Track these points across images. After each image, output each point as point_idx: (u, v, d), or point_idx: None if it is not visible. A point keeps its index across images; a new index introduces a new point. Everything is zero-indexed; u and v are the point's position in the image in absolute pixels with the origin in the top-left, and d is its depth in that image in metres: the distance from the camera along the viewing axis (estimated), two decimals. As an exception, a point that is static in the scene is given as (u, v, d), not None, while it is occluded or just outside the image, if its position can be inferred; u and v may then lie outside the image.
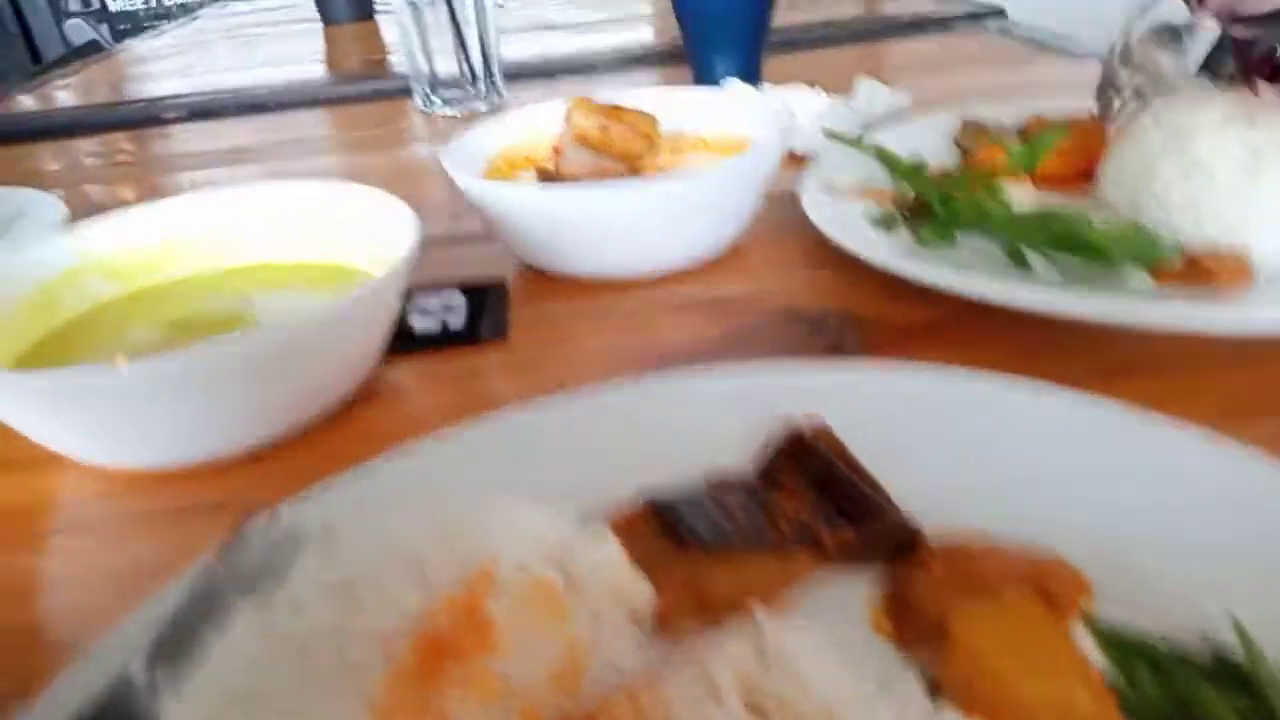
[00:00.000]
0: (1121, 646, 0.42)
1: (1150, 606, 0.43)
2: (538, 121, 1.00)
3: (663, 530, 0.46)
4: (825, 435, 0.54)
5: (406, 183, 1.24)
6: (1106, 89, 0.95)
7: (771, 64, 1.46)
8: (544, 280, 0.90)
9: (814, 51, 1.72)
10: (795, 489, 0.51)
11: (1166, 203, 0.74)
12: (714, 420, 0.57)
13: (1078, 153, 0.88)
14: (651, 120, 0.95)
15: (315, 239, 0.82)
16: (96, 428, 0.61)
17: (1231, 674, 0.39)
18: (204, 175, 1.38)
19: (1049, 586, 0.44)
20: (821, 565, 0.49)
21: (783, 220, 0.94)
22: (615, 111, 0.94)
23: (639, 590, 0.42)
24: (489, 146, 0.97)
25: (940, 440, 0.54)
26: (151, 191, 1.33)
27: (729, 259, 0.90)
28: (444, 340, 0.81)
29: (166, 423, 0.61)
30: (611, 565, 0.41)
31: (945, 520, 0.50)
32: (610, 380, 0.63)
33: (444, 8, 1.40)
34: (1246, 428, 0.58)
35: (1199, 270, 0.68)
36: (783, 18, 1.46)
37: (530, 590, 0.38)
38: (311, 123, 1.63)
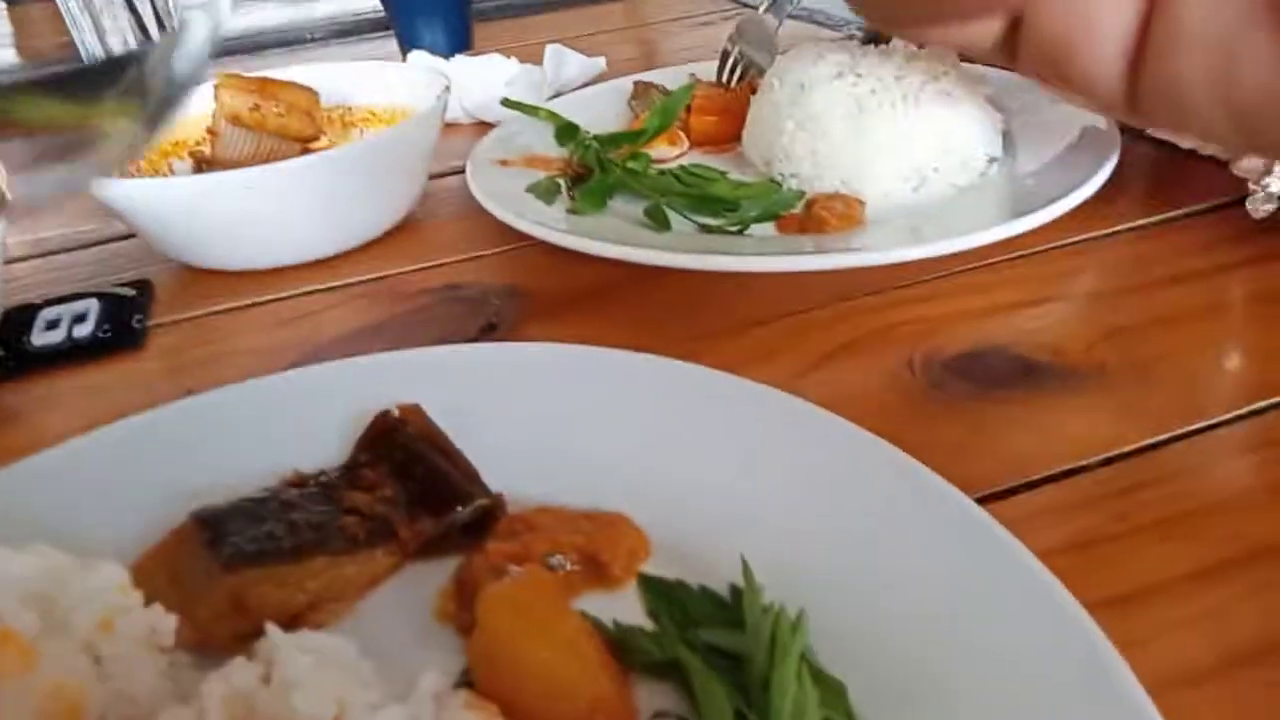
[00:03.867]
0: (657, 593, 0.43)
1: (705, 563, 0.45)
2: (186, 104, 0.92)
3: (205, 546, 0.44)
4: (414, 417, 0.52)
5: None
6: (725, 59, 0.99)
7: (490, 29, 1.42)
8: (195, 278, 0.83)
9: (531, 18, 1.69)
10: (376, 480, 0.50)
11: (791, 155, 0.77)
12: (311, 416, 0.55)
13: (732, 114, 0.90)
14: (310, 94, 0.90)
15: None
16: None
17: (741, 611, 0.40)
18: None
19: (599, 555, 0.45)
20: (403, 560, 0.48)
21: (456, 193, 0.92)
22: (268, 87, 0.89)
23: (155, 616, 0.39)
24: (126, 135, 0.89)
25: (534, 414, 0.54)
26: None
27: (393, 238, 0.86)
28: (70, 354, 0.73)
29: None
30: (107, 594, 0.38)
31: (534, 493, 0.50)
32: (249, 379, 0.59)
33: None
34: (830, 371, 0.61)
35: (814, 219, 0.71)
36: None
37: (-13, 642, 0.34)
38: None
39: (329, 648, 0.38)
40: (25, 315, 0.77)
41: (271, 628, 0.38)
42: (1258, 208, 0.67)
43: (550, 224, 0.74)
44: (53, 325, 0.76)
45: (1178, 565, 0.45)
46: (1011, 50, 0.26)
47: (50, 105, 0.26)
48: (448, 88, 0.85)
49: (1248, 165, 0.66)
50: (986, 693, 0.36)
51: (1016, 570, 0.40)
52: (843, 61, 0.77)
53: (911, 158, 0.74)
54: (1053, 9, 0.24)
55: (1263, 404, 0.55)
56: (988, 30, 0.26)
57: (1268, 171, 0.64)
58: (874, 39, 0.84)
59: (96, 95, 0.26)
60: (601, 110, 0.97)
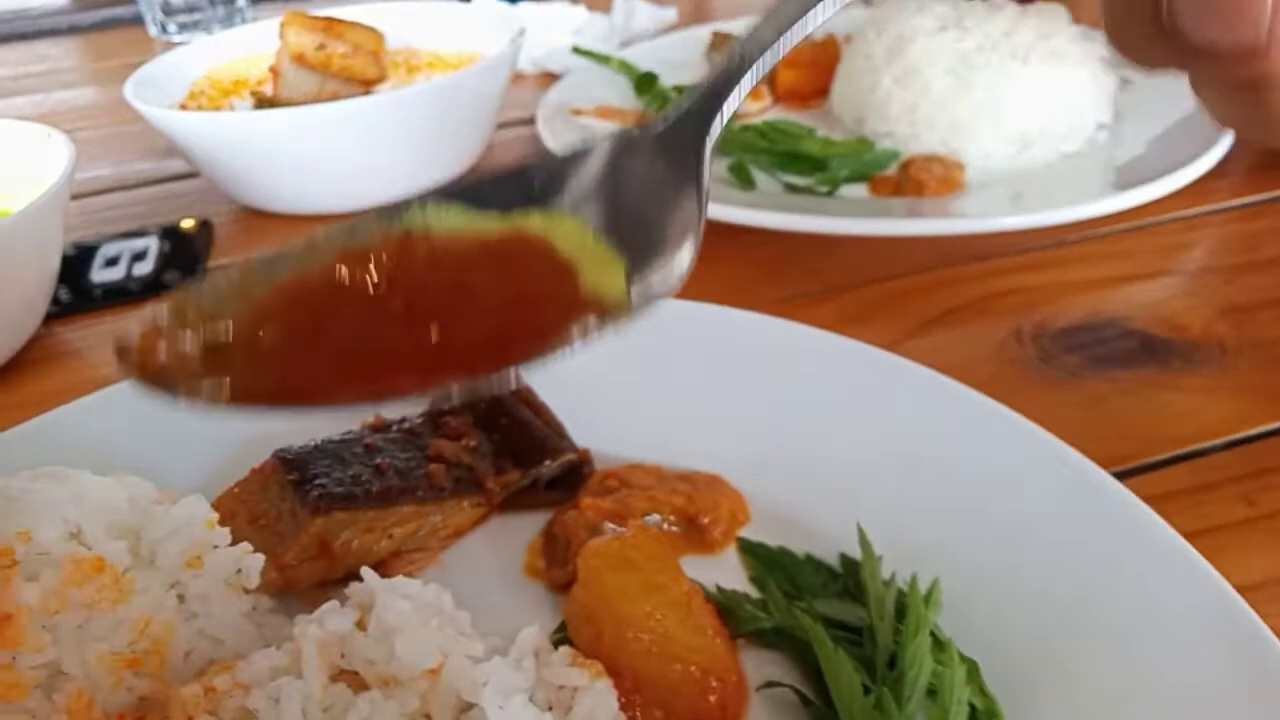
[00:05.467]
0: (761, 559, 0.40)
1: (809, 530, 0.42)
2: (250, 42, 0.90)
3: (291, 487, 0.41)
4: (498, 369, 0.50)
5: (118, 118, 1.10)
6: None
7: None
8: (258, 219, 0.81)
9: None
10: (462, 429, 0.47)
11: (886, 112, 0.73)
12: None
13: (821, 67, 0.86)
14: (376, 35, 0.87)
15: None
16: None
17: (856, 581, 0.38)
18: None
19: (699, 518, 0.42)
20: (489, 512, 0.45)
21: (524, 142, 0.89)
22: (334, 26, 0.85)
23: (240, 554, 0.37)
24: (190, 72, 0.86)
25: (624, 370, 0.51)
26: None
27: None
28: (130, 292, 0.71)
29: None
30: (193, 528, 0.35)
31: (624, 450, 0.47)
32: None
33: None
34: (933, 338, 0.58)
35: (910, 181, 0.68)
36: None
37: (74, 569, 0.32)
38: (54, 55, 1.44)
39: (426, 595, 0.35)
40: (85, 252, 0.75)
41: (368, 573, 0.36)
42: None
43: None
44: (112, 262, 0.74)
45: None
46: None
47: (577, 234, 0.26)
48: (522, 31, 0.82)
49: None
50: (1134, 678, 0.33)
51: (1164, 550, 0.37)
52: (946, 14, 0.72)
53: (1017, 120, 0.70)
54: None
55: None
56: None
57: None
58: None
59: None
60: (676, 61, 0.93)
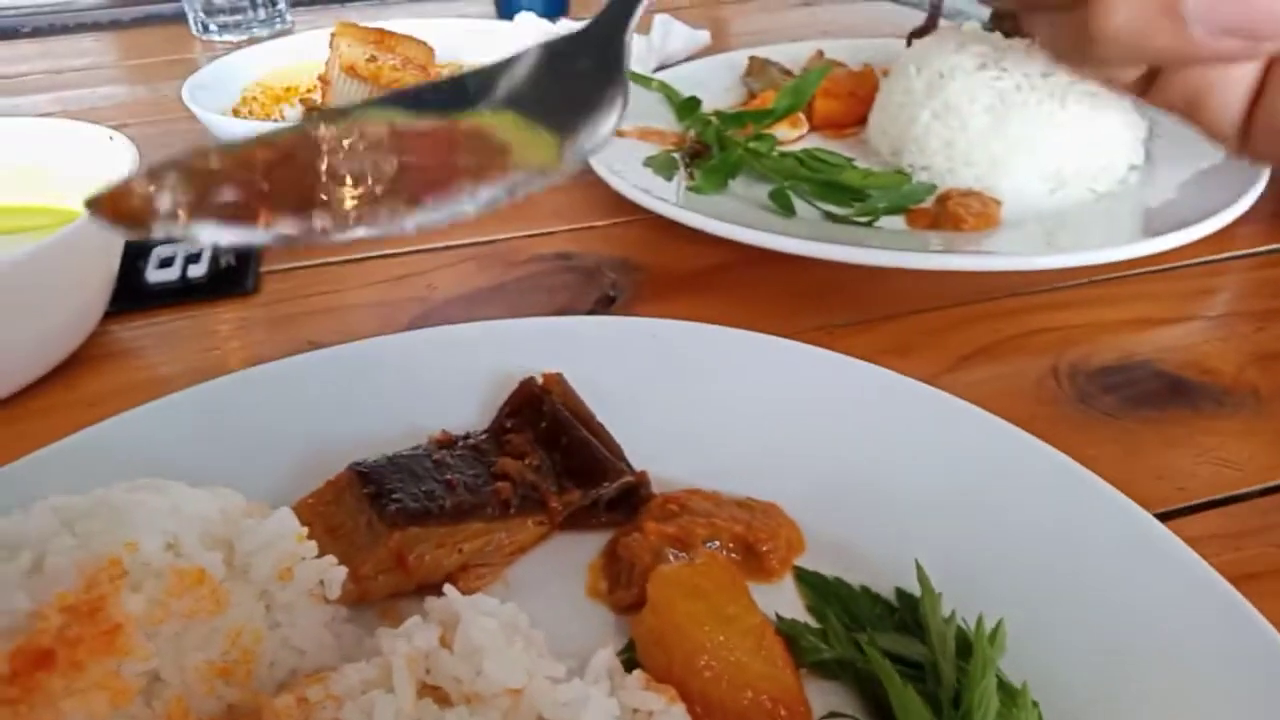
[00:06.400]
0: (819, 590, 0.42)
1: (863, 562, 0.44)
2: (302, 49, 0.92)
3: (368, 500, 0.43)
4: (557, 386, 0.51)
5: (168, 117, 1.12)
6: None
7: (581, -1, 1.40)
8: (306, 226, 0.83)
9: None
10: (524, 448, 0.49)
11: (925, 146, 0.75)
12: (449, 378, 0.54)
13: (858, 98, 0.88)
14: (426, 49, 0.89)
15: (23, 179, 0.72)
16: None
17: (914, 616, 0.39)
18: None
19: (758, 546, 0.43)
20: (551, 530, 0.47)
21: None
22: (385, 39, 0.88)
23: (325, 566, 0.38)
24: (243, 77, 0.88)
25: (679, 394, 0.53)
26: None
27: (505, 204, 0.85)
28: (184, 294, 0.73)
29: None
30: (284, 541, 0.37)
31: (679, 474, 0.49)
32: (369, 337, 0.59)
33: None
34: (971, 373, 0.59)
35: (948, 215, 0.69)
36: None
37: (176, 580, 0.34)
38: (96, 50, 1.46)
39: (506, 614, 0.37)
40: (139, 250, 0.77)
41: (450, 590, 0.37)
42: None
43: (670, 199, 0.73)
44: (166, 263, 0.75)
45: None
46: (1145, 88, 0.33)
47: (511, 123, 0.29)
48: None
49: None
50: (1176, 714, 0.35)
51: (1204, 590, 0.38)
52: (985, 53, 0.74)
53: (1052, 158, 0.72)
54: (1188, 70, 0.31)
55: None
56: (1132, 72, 0.33)
57: None
58: (1002, 29, 0.81)
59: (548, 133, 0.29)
60: (713, 85, 0.95)
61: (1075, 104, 0.72)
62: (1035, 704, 0.35)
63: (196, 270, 0.74)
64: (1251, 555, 0.46)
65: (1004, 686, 0.35)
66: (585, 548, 0.47)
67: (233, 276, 0.75)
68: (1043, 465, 0.45)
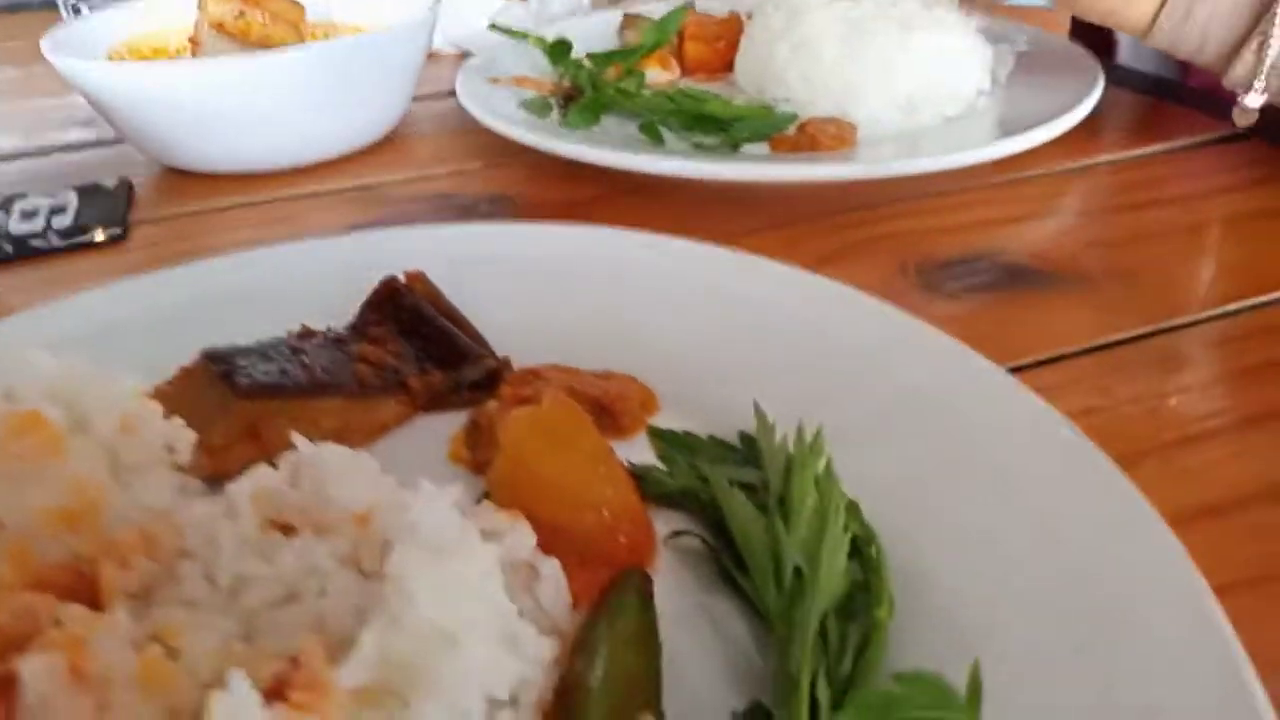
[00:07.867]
0: (668, 440, 0.44)
1: (711, 418, 0.46)
2: (170, 13, 0.90)
3: (219, 378, 0.43)
4: (419, 283, 0.52)
5: (34, 92, 1.09)
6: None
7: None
8: (180, 179, 0.82)
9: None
10: (385, 337, 0.49)
11: (784, 79, 0.79)
12: (317, 284, 0.54)
13: (728, 42, 0.91)
14: (297, 7, 0.89)
15: None
16: None
17: (753, 451, 0.41)
18: None
19: (612, 406, 0.45)
20: (413, 411, 0.48)
21: (443, 114, 0.92)
22: (255, -3, 0.87)
23: (174, 429, 0.39)
24: (107, 37, 0.87)
25: (541, 289, 0.55)
26: None
27: (383, 149, 0.86)
28: (51, 245, 0.71)
29: None
30: (127, 401, 0.37)
31: (539, 358, 0.50)
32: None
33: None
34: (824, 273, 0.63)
35: (808, 138, 0.73)
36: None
37: (16, 423, 0.34)
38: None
39: (358, 459, 0.37)
40: (1, 204, 0.75)
41: (299, 438, 0.38)
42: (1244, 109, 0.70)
43: (547, 135, 0.75)
44: (29, 215, 0.74)
45: (1163, 433, 0.48)
46: None
47: None
48: (439, 1, 0.85)
49: (1235, 77, 0.69)
50: (996, 513, 0.38)
51: (1028, 413, 0.42)
52: (838, -14, 0.78)
53: (904, 84, 0.76)
54: None
55: (1233, 306, 0.58)
56: None
57: (1248, 88, 0.68)
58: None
59: None
60: (591, 42, 0.97)
61: (923, 31, 0.76)
62: (852, 500, 0.37)
63: (62, 220, 0.73)
64: (1074, 400, 0.50)
65: (820, 485, 0.37)
66: (450, 424, 0.48)
67: (102, 224, 0.73)
68: (870, 312, 0.48)
